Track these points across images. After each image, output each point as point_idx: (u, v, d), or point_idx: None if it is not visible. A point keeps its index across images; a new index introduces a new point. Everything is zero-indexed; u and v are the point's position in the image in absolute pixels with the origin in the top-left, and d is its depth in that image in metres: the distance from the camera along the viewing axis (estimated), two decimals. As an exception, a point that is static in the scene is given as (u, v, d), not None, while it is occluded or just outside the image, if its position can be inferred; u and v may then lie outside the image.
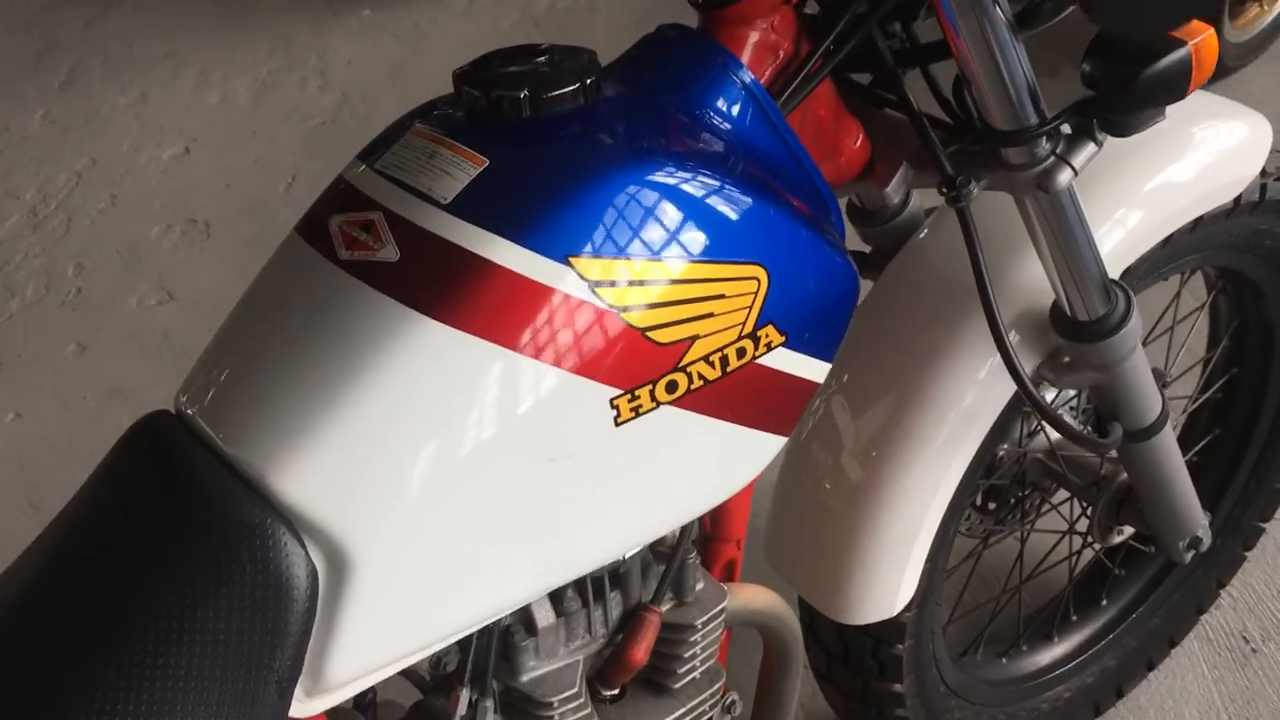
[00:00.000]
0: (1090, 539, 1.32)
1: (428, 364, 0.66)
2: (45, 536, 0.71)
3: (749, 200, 0.72)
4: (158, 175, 2.50)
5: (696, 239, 0.71)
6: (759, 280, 0.72)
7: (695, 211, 0.71)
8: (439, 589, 0.69)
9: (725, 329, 0.72)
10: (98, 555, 0.68)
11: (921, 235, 1.07)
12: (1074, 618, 1.42)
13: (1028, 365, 1.00)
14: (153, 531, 0.66)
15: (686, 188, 0.70)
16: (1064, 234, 0.87)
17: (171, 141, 2.59)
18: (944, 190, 0.82)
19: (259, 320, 0.73)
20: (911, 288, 1.02)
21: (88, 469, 0.73)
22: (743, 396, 0.75)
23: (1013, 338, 0.99)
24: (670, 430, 0.72)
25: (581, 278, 0.68)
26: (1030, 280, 0.99)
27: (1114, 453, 1.23)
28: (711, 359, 0.72)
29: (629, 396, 0.70)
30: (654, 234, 0.69)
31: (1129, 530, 1.28)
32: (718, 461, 0.77)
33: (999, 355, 1.00)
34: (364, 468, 0.66)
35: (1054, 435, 1.22)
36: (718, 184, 0.71)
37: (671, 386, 0.71)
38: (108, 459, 0.71)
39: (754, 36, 0.78)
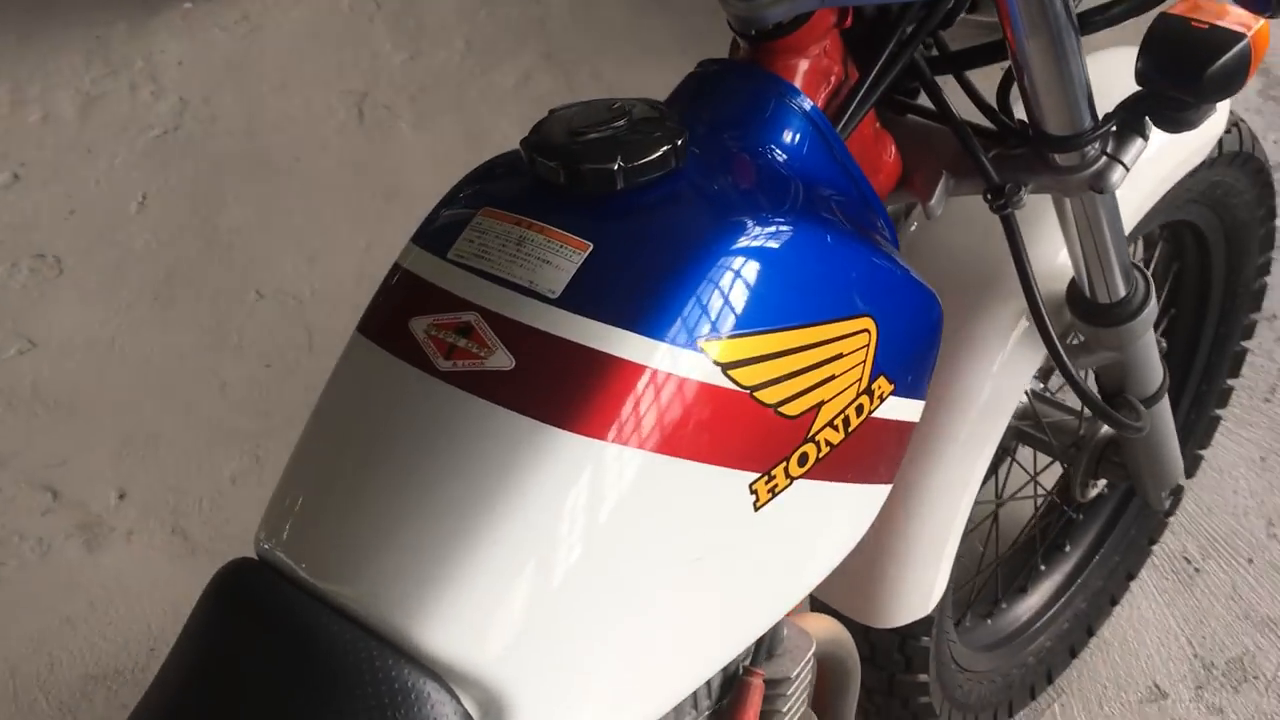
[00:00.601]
0: (1057, 494, 1.36)
1: (565, 482, 0.60)
2: None
3: (845, 247, 0.68)
4: (-13, 209, 2.28)
5: (811, 301, 0.66)
6: (869, 332, 0.68)
7: (805, 271, 0.66)
8: (595, 709, 0.64)
9: (845, 389, 0.68)
10: None
11: (912, 228, 1.05)
12: (1043, 568, 1.45)
13: (1039, 349, 1.00)
14: (278, 704, 0.58)
15: (792, 247, 0.66)
16: (1102, 226, 0.86)
17: (-5, 169, 2.36)
18: (990, 199, 0.79)
19: (350, 447, 0.65)
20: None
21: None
22: (861, 454, 0.71)
23: (1022, 324, 0.99)
24: (803, 504, 0.68)
25: (715, 363, 0.63)
26: (1038, 266, 0.99)
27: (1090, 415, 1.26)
28: (835, 423, 0.68)
29: (766, 478, 0.65)
30: (772, 303, 0.65)
31: (1103, 483, 1.31)
32: (842, 524, 0.73)
33: (1009, 348, 1.00)
34: (511, 602, 0.60)
35: (1039, 406, 1.24)
36: (817, 235, 0.67)
37: (803, 459, 0.67)
38: (194, 624, 0.62)
39: (805, 64, 0.73)
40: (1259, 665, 1.53)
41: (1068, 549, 1.48)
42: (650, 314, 0.61)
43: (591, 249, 0.63)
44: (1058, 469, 1.37)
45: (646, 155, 0.64)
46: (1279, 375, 1.83)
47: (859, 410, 0.69)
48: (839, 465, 0.70)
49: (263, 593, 0.62)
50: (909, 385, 0.73)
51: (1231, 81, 0.71)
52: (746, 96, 0.72)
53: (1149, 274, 0.95)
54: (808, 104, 0.72)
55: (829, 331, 0.67)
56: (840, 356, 0.67)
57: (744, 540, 0.66)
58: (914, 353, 0.74)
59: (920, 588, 1.03)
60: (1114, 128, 0.78)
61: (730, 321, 0.63)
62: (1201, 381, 1.48)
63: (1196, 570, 1.64)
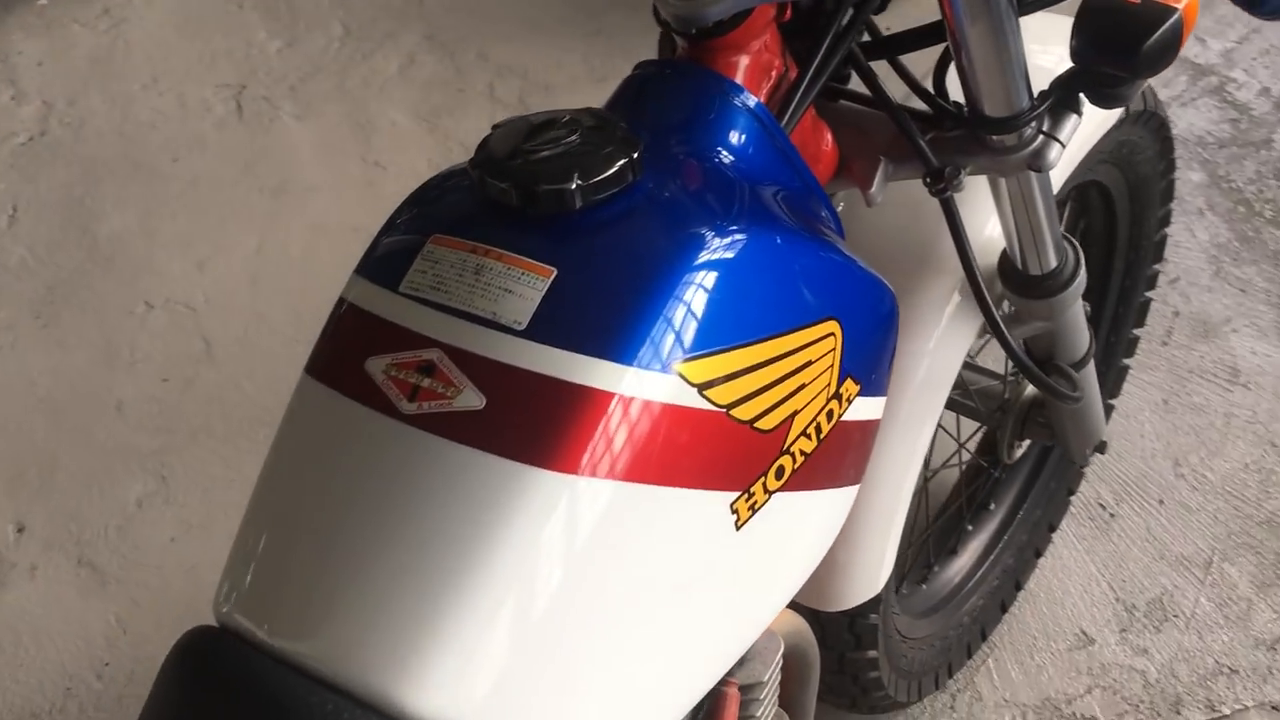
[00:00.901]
0: (982, 455, 1.38)
1: (545, 522, 0.57)
2: None
3: (804, 250, 0.66)
4: None
5: (778, 310, 0.65)
6: (835, 335, 0.67)
7: (769, 280, 0.64)
8: None
9: (816, 396, 0.67)
10: None
11: (839, 209, 1.04)
12: (970, 528, 1.47)
13: (973, 323, 1.00)
14: None
15: (754, 256, 0.64)
16: (1036, 202, 0.86)
17: None
18: (930, 182, 0.78)
19: (311, 500, 0.61)
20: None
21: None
22: (833, 459, 0.70)
23: (956, 299, 0.99)
24: (782, 517, 0.67)
25: (690, 384, 0.61)
26: (970, 241, 0.99)
27: (1014, 377, 1.28)
28: (809, 431, 0.67)
29: (746, 496, 0.64)
30: (741, 317, 0.63)
31: (1028, 443, 1.34)
32: (817, 530, 0.72)
33: (944, 324, 1.00)
34: (492, 652, 0.57)
35: (965, 374, 1.25)
36: (776, 241, 0.65)
37: (780, 472, 0.66)
38: (154, 702, 0.58)
39: (746, 60, 0.71)
40: (1178, 604, 1.58)
41: (992, 506, 1.50)
42: (622, 340, 0.59)
43: (555, 275, 0.60)
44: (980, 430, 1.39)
45: (603, 171, 0.61)
46: (1174, 318, 1.89)
47: (829, 416, 0.68)
48: (813, 473, 0.69)
49: (227, 661, 0.58)
50: (873, 383, 0.72)
51: (1165, 55, 0.71)
52: (691, 98, 0.70)
53: (1077, 243, 0.96)
54: (752, 101, 0.70)
55: (798, 339, 0.66)
56: (809, 364, 0.66)
57: (727, 561, 0.65)
58: (876, 350, 0.73)
59: (869, 569, 1.04)
60: (1049, 106, 0.77)
61: (702, 340, 0.61)
62: (1110, 333, 1.51)
63: (1112, 515, 1.69)
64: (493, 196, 0.63)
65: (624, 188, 0.62)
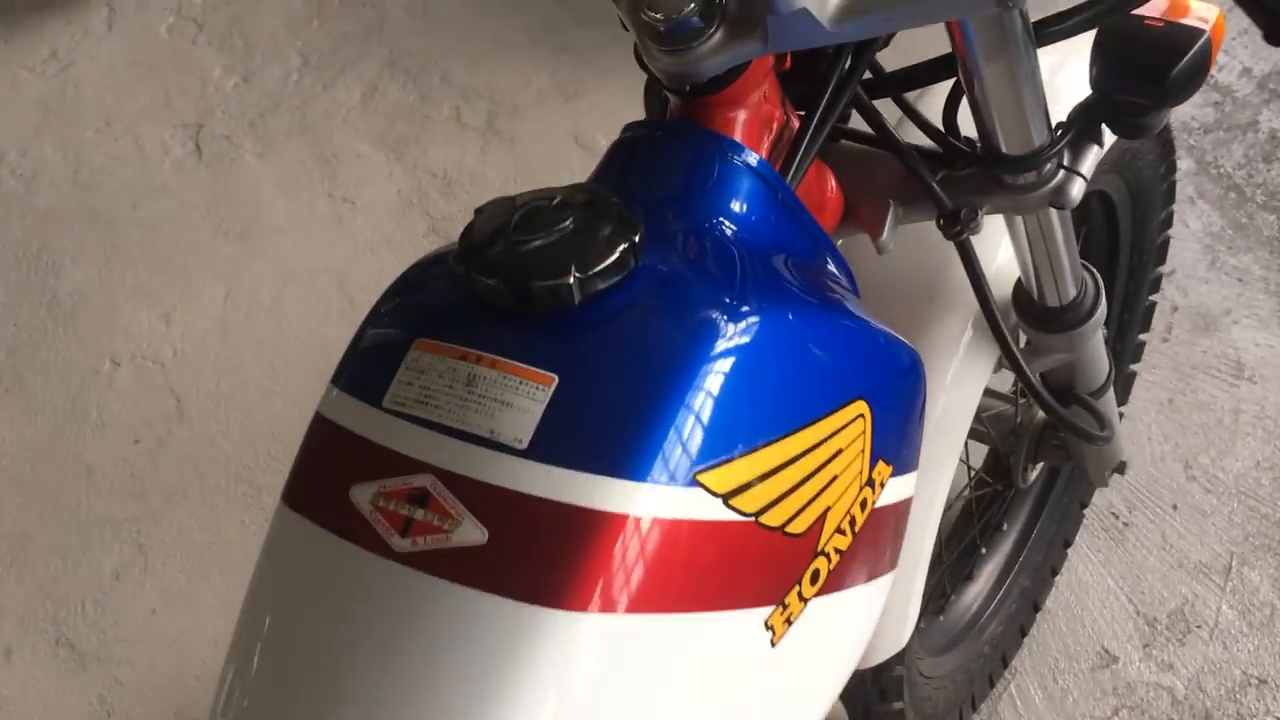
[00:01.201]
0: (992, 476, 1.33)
1: (564, 669, 0.51)
2: None
3: (823, 324, 0.60)
4: None
5: (804, 398, 0.58)
6: (864, 416, 0.61)
7: (792, 365, 0.58)
8: None
9: (848, 487, 0.60)
10: None
11: (838, 244, 0.99)
12: (984, 551, 1.42)
13: (990, 357, 0.95)
14: None
15: (773, 341, 0.57)
16: (1055, 236, 0.81)
17: None
18: (944, 225, 0.72)
19: (300, 649, 0.54)
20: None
21: None
22: (869, 552, 0.64)
23: (970, 333, 0.94)
24: (820, 624, 0.60)
25: (714, 494, 0.54)
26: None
27: (1025, 400, 1.23)
28: (843, 526, 0.61)
29: (780, 609, 0.58)
30: (766, 412, 0.56)
31: (1042, 464, 1.29)
32: (857, 628, 0.66)
33: (959, 359, 0.95)
34: None
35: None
36: (794, 319, 0.59)
37: (815, 577, 0.59)
38: None
39: (745, 114, 0.65)
40: (1200, 614, 1.54)
41: (1005, 527, 1.45)
42: (636, 453, 0.52)
43: (556, 383, 0.54)
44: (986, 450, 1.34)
45: (602, 259, 0.55)
46: (1173, 313, 1.84)
47: (863, 506, 0.62)
48: (849, 570, 0.63)
49: None
50: (904, 460, 0.66)
51: (1194, 81, 0.66)
52: (688, 162, 0.64)
53: (1096, 272, 0.90)
54: (754, 159, 0.64)
55: (827, 427, 0.59)
56: (840, 453, 0.60)
57: (763, 683, 0.59)
58: (906, 422, 0.67)
59: (895, 622, 0.98)
60: (1070, 140, 0.72)
61: (725, 443, 0.55)
62: (1116, 340, 1.46)
63: (1125, 525, 1.64)
64: (481, 294, 0.56)
65: (625, 275, 0.56)
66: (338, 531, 0.54)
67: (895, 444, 0.65)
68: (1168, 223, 1.38)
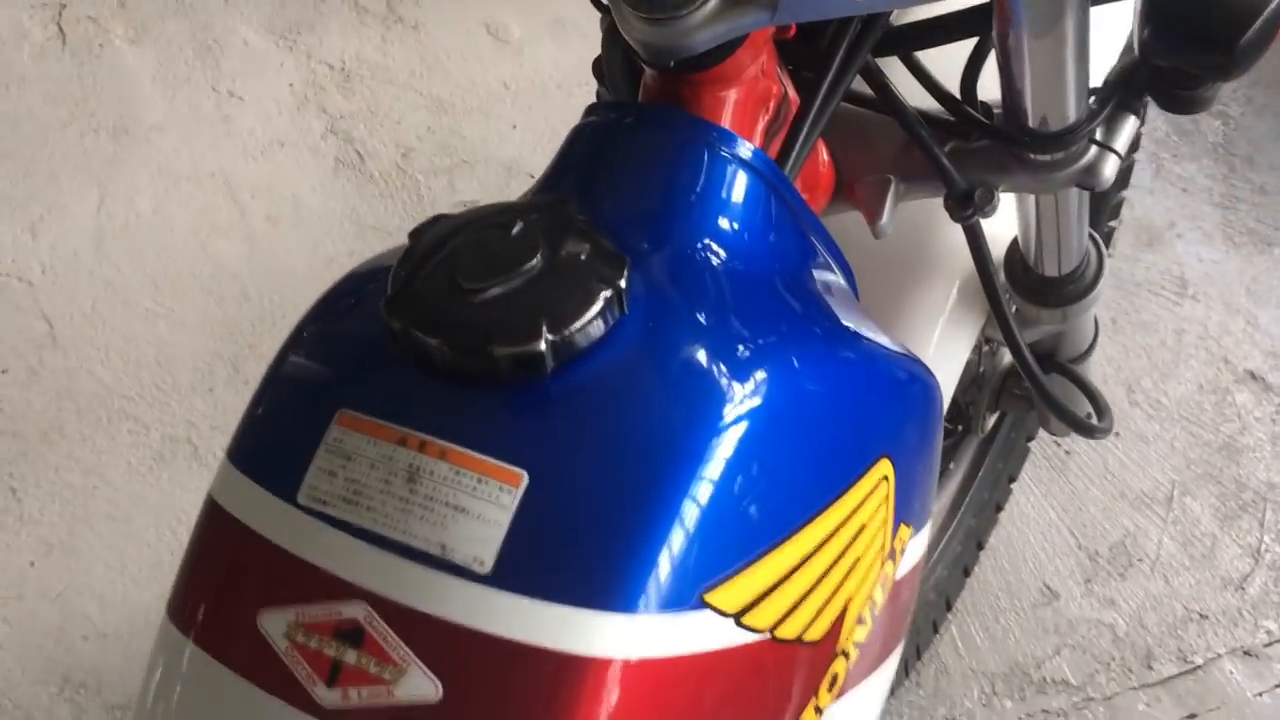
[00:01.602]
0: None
1: None
2: None
3: (841, 364, 0.49)
4: None
5: (828, 471, 0.47)
6: (888, 478, 0.50)
7: (814, 431, 0.46)
8: None
9: (870, 567, 0.50)
10: None
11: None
12: (931, 492, 1.36)
13: (974, 326, 0.86)
14: None
15: (793, 401, 0.46)
16: (1070, 215, 0.70)
17: None
18: (954, 206, 0.61)
19: None
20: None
21: None
22: (885, 633, 0.54)
23: (952, 301, 0.84)
24: None
25: (724, 615, 0.43)
26: (959, 240, 0.84)
27: (988, 346, 1.16)
28: (863, 615, 0.50)
29: None
30: (781, 501, 0.45)
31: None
32: (871, 712, 0.56)
33: (941, 327, 0.86)
34: None
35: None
36: (810, 366, 0.47)
37: (833, 682, 0.49)
38: None
39: (738, 94, 0.52)
40: (1141, 547, 1.50)
41: (951, 467, 1.39)
42: (630, 578, 0.40)
43: (525, 482, 0.41)
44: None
45: (582, 313, 0.42)
46: (1117, 226, 1.77)
47: (883, 585, 0.52)
48: (865, 661, 0.53)
49: None
50: (923, 515, 0.56)
51: (1262, 48, 0.54)
52: (670, 160, 0.50)
53: (1099, 240, 0.80)
54: (748, 150, 0.51)
55: (851, 502, 0.48)
56: (863, 530, 0.49)
57: None
58: (928, 470, 0.56)
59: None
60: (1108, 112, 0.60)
61: (737, 551, 0.43)
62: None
63: (1068, 453, 1.59)
64: (429, 358, 0.43)
65: (609, 329, 0.43)
66: (244, 673, 0.42)
67: (916, 499, 0.55)
68: (1116, 211, 1.29)
